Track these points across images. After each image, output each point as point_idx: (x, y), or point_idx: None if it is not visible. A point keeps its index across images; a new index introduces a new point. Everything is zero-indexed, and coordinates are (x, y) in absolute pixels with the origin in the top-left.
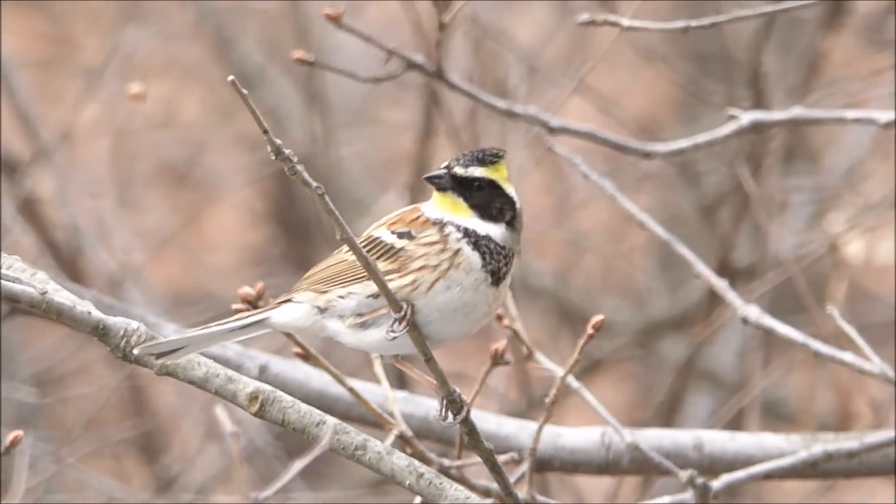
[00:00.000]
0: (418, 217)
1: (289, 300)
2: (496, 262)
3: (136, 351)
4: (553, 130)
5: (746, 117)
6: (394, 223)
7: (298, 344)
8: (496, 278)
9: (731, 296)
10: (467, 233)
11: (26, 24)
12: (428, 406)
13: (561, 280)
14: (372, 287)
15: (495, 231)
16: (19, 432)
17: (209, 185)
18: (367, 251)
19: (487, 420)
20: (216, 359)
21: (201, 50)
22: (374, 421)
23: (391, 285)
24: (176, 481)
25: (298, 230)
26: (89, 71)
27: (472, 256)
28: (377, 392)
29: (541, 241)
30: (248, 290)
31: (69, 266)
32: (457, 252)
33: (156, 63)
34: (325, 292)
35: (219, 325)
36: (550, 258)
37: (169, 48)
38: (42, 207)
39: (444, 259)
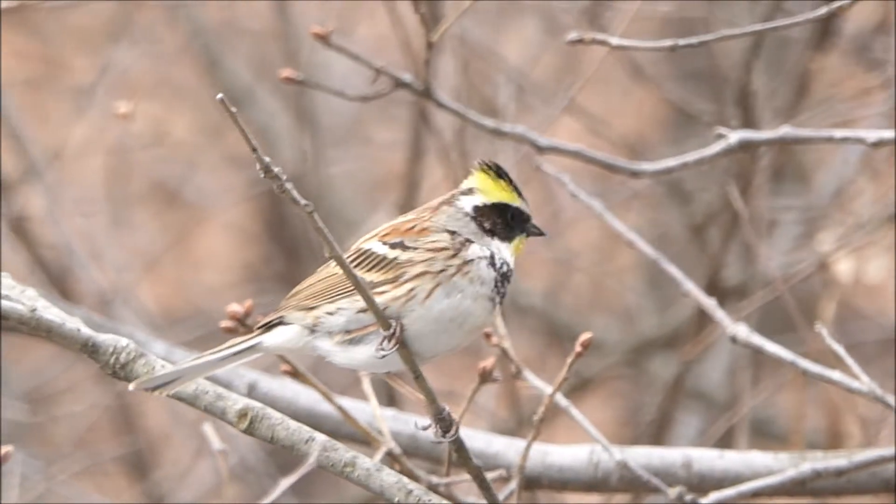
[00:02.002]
0: (413, 227)
1: (279, 322)
2: (505, 286)
3: (131, 387)
4: (541, 149)
5: (735, 136)
6: (386, 234)
7: (287, 362)
8: (500, 299)
9: (719, 314)
10: (490, 253)
11: (16, 44)
12: (417, 423)
13: (550, 299)
14: (361, 302)
15: (507, 254)
16: (9, 448)
17: (200, 204)
18: (356, 265)
19: (476, 438)
20: (206, 376)
21: (191, 70)
22: (363, 438)
23: (385, 297)
24: (166, 498)
25: (290, 248)
26: (79, 90)
27: (486, 273)
28: (366, 410)
29: (530, 260)
30: (236, 308)
31: (59, 284)
32: (468, 262)
33: (145, 82)
34: (312, 309)
35: (211, 353)
36: (540, 277)
37: (158, 68)
38: (32, 226)
39: (450, 265)
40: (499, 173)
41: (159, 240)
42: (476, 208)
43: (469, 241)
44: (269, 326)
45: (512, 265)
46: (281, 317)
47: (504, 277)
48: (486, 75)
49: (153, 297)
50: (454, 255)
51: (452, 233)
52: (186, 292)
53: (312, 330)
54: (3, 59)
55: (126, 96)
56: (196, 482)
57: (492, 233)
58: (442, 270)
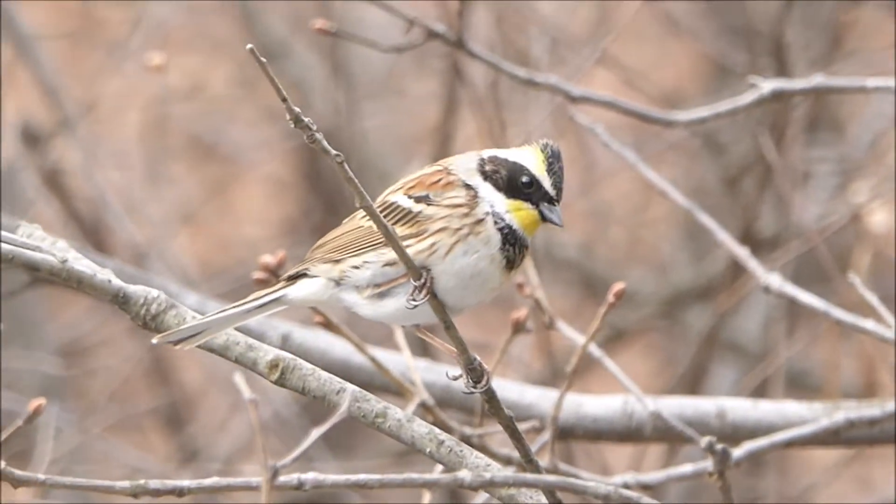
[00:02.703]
0: (439, 180)
1: (304, 274)
2: (513, 249)
3: (154, 341)
4: (574, 99)
5: (767, 86)
6: (412, 187)
7: (321, 313)
8: (509, 264)
9: (752, 264)
10: (495, 213)
11: None
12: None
13: (585, 251)
14: (387, 255)
15: (504, 211)
16: (42, 401)
17: (237, 157)
18: (384, 217)
19: (509, 388)
20: (237, 328)
21: (227, 23)
22: (395, 390)
23: (409, 251)
24: (201, 452)
25: (326, 202)
26: (115, 44)
27: (493, 233)
28: (399, 361)
29: (565, 213)
30: (268, 260)
31: (93, 237)
32: (480, 221)
33: (182, 36)
34: (338, 262)
35: (235, 306)
36: (575, 230)
37: (195, 21)
38: (67, 179)
39: (465, 224)
40: (546, 149)
41: (195, 193)
42: (489, 158)
43: (479, 196)
44: (294, 278)
45: (512, 224)
46: (306, 269)
47: (507, 237)
48: (520, 27)
49: (189, 252)
50: (468, 213)
51: (469, 187)
52: (222, 246)
53: (338, 283)
54: (39, 12)
55: (161, 49)
56: (231, 436)
57: (496, 186)
58: (459, 229)
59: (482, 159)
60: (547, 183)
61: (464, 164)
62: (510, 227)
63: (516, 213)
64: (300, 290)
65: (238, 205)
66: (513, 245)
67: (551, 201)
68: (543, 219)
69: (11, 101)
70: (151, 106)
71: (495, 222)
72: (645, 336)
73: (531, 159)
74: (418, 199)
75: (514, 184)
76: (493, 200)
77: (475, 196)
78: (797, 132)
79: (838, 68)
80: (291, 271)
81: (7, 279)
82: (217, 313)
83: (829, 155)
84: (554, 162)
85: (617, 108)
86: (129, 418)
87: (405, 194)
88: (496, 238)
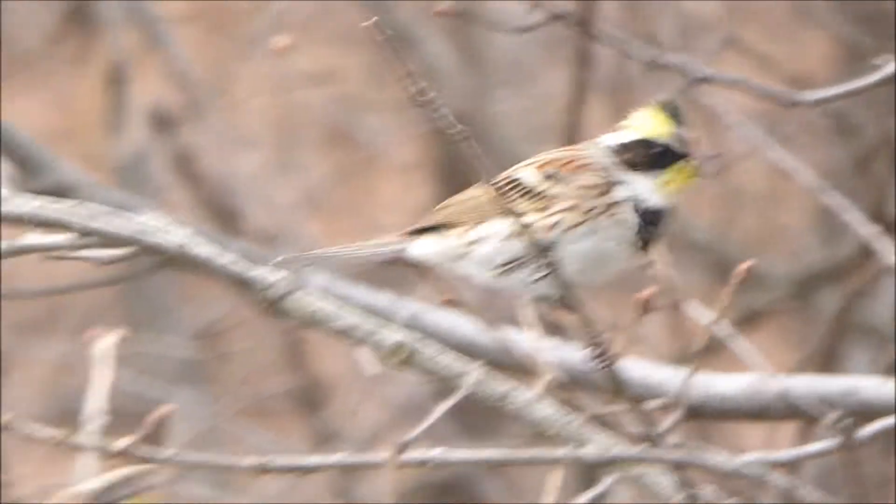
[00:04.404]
0: (572, 161)
1: (426, 232)
2: (649, 231)
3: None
4: (702, 80)
5: (891, 65)
6: (542, 165)
7: (447, 291)
8: (644, 246)
9: (882, 244)
10: (634, 196)
11: None
12: (576, 352)
13: (718, 234)
14: (511, 228)
15: (652, 193)
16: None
17: (368, 145)
18: (507, 191)
19: (638, 367)
20: (364, 307)
21: (356, 11)
22: (523, 369)
23: (533, 226)
24: (335, 436)
25: (458, 190)
26: (245, 31)
27: (629, 216)
28: (526, 340)
29: (697, 195)
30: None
31: (223, 222)
32: (615, 204)
33: (311, 25)
34: (460, 229)
35: (352, 247)
36: (707, 213)
37: (324, 9)
38: (196, 164)
39: (597, 204)
40: (664, 108)
41: (327, 180)
42: (622, 145)
43: (617, 181)
44: (417, 234)
45: (660, 204)
46: (430, 227)
47: (649, 220)
48: (649, 13)
49: (319, 238)
50: (602, 195)
51: (604, 171)
52: (353, 233)
53: (459, 250)
54: None
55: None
56: (365, 420)
57: (637, 170)
58: (591, 209)
59: (617, 144)
60: (676, 141)
61: (596, 149)
62: (651, 209)
63: (665, 187)
64: (421, 249)
65: (370, 192)
66: (652, 226)
67: (683, 155)
68: (694, 175)
69: (141, 86)
70: (282, 92)
71: (634, 206)
72: (776, 319)
73: (655, 126)
74: (547, 177)
75: (651, 159)
76: (632, 182)
77: (610, 180)
78: None
79: None
80: (414, 226)
81: (136, 263)
82: (333, 249)
83: None
84: (674, 113)
85: (744, 88)
86: (262, 402)
87: (535, 170)
88: (633, 221)
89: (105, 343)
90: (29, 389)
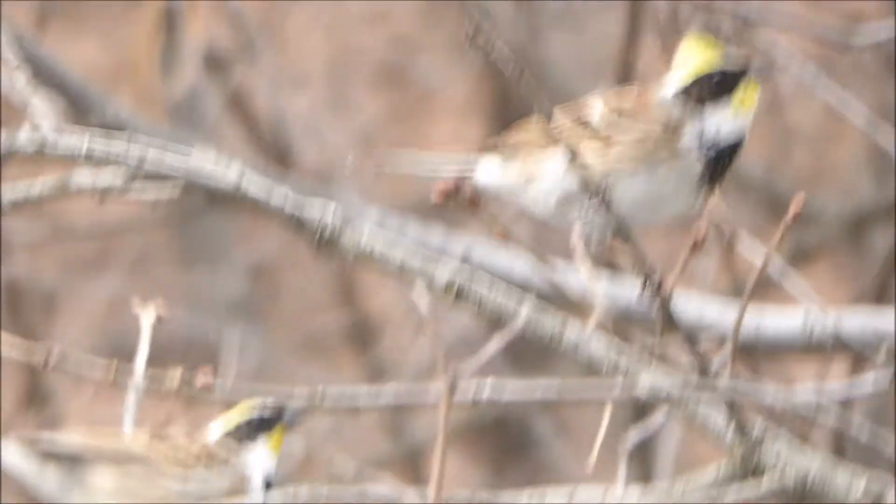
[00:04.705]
0: (638, 97)
1: (490, 158)
2: (717, 172)
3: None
4: (753, 22)
5: None
6: (608, 100)
7: (500, 226)
8: (710, 186)
9: None
10: (704, 134)
11: None
12: (630, 288)
13: (771, 173)
14: (567, 163)
15: (726, 123)
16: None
17: (422, 85)
18: (572, 125)
19: (690, 302)
20: (418, 242)
21: None
22: (576, 305)
23: (591, 156)
24: (387, 373)
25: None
26: None
27: (693, 160)
28: (580, 275)
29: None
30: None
31: (276, 162)
32: (679, 147)
33: None
34: (519, 161)
35: (424, 158)
36: (760, 151)
37: None
38: (250, 103)
39: (660, 144)
40: (702, 37)
41: (381, 120)
42: (683, 89)
43: (681, 125)
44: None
45: (734, 135)
46: (493, 154)
47: (721, 156)
48: None
49: (372, 177)
50: (667, 135)
51: (668, 114)
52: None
53: (517, 183)
54: None
55: None
56: (417, 357)
57: (704, 105)
58: (654, 149)
59: (679, 87)
60: (730, 63)
61: (661, 89)
62: (723, 145)
63: (739, 110)
64: (485, 174)
65: (423, 132)
66: (724, 161)
67: (743, 72)
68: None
69: (195, 25)
70: (336, 31)
71: (702, 146)
72: (828, 256)
73: (705, 57)
74: (613, 110)
75: (716, 89)
76: (703, 119)
77: (677, 119)
78: None
79: None
80: (482, 145)
81: (190, 201)
82: (406, 158)
83: None
84: (712, 39)
85: (797, 28)
86: (315, 339)
87: (600, 101)
88: (696, 167)
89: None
90: (79, 329)
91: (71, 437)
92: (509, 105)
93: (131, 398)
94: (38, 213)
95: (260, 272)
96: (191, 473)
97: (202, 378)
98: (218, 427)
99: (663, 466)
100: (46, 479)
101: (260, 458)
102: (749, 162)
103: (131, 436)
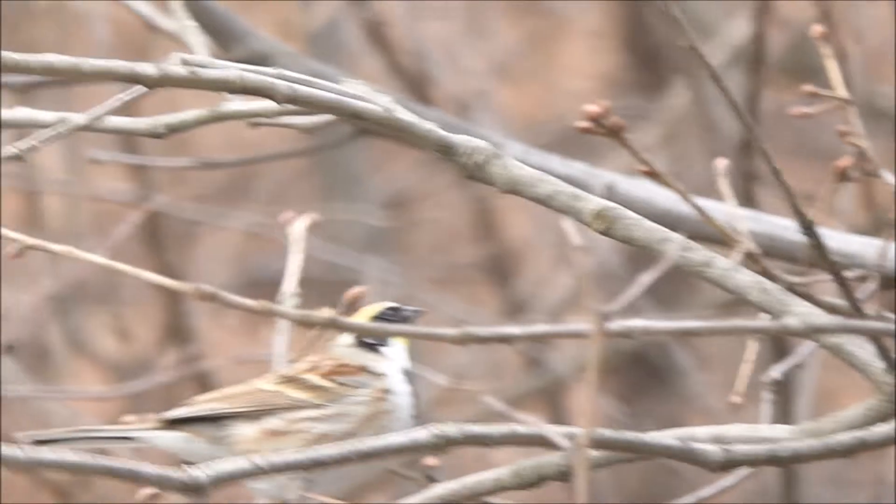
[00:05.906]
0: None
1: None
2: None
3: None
4: None
5: None
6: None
7: (646, 162)
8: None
9: None
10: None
11: None
12: (774, 224)
13: None
14: None
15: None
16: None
17: (558, 12)
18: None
19: (833, 237)
20: (560, 177)
21: None
22: (720, 239)
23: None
24: (526, 305)
25: (649, 57)
26: None
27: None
28: (724, 210)
29: (885, 63)
30: (593, 108)
31: (416, 90)
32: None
33: None
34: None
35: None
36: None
37: None
38: (389, 31)
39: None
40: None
41: (517, 47)
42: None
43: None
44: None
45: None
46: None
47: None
48: None
49: (510, 104)
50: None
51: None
52: (544, 99)
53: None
54: None
55: None
56: (557, 289)
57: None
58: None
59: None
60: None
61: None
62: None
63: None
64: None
65: (557, 59)
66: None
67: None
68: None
69: None
70: None
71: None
72: None
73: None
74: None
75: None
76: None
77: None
78: None
79: None
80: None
81: (329, 132)
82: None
83: None
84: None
85: None
86: (454, 271)
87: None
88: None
89: (299, 225)
90: (218, 260)
91: (207, 404)
92: (643, 30)
93: (279, 329)
94: (179, 145)
95: (397, 205)
96: (327, 401)
97: (353, 295)
98: (347, 337)
99: (802, 404)
100: (194, 448)
101: (395, 353)
102: (884, 90)
103: (262, 382)
